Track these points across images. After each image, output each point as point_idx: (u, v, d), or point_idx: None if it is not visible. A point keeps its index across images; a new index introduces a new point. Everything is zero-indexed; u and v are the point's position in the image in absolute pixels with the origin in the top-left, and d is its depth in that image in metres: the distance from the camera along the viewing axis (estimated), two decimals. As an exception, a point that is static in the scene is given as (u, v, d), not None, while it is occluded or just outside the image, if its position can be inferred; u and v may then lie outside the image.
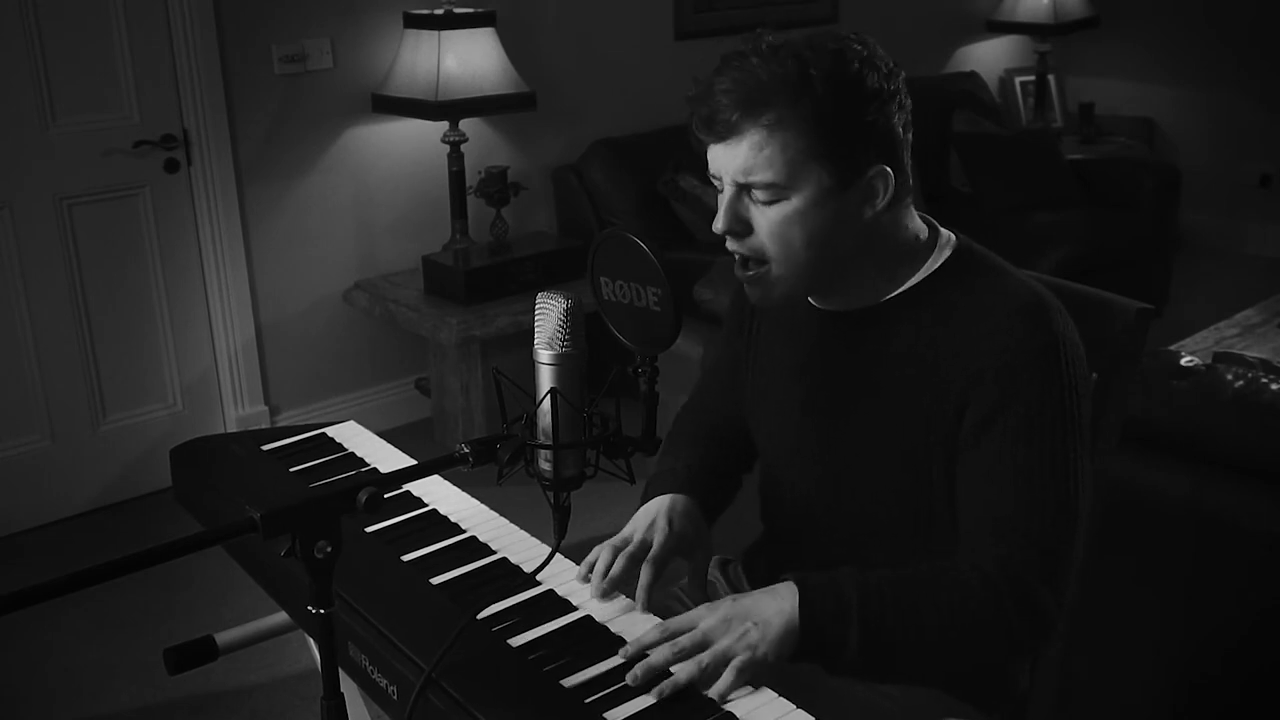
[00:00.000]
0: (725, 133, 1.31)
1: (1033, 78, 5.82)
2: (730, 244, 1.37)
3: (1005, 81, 5.83)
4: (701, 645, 1.23)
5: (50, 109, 3.21)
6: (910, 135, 1.37)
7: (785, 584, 1.27)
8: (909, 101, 1.36)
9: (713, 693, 1.19)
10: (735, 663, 1.20)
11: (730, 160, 1.31)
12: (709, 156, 1.35)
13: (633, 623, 1.31)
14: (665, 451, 1.63)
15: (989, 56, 5.78)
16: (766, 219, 1.32)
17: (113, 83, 3.30)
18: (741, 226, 1.34)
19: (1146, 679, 2.09)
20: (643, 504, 1.52)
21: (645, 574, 1.37)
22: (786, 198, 1.31)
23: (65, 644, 2.85)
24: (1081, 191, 4.77)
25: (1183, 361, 2.24)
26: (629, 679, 1.20)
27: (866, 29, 1.43)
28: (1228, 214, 5.69)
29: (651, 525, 1.44)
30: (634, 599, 1.37)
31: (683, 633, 1.24)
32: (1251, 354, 2.45)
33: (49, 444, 3.39)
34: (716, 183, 1.36)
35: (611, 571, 1.37)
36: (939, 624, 1.27)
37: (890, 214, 1.37)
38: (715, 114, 1.30)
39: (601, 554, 1.40)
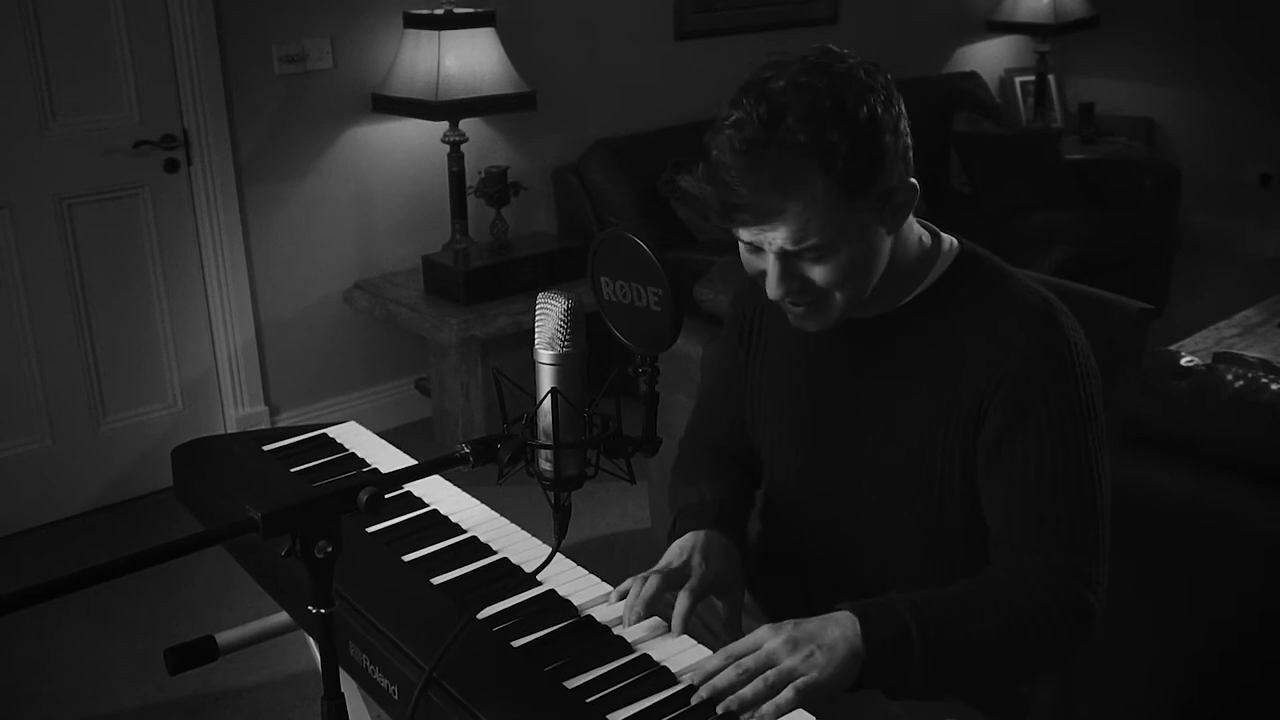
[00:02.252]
0: (763, 220, 1.28)
1: (1033, 78, 5.81)
2: (779, 293, 1.34)
3: (1005, 81, 5.83)
4: (766, 665, 1.20)
5: (50, 109, 3.21)
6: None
7: (844, 612, 1.25)
8: (903, 105, 1.34)
9: (770, 705, 1.16)
10: (798, 682, 1.18)
11: (773, 236, 1.29)
12: (741, 232, 1.32)
13: (661, 642, 1.30)
14: (681, 479, 1.62)
15: (989, 56, 5.78)
16: (823, 272, 1.31)
17: (113, 83, 3.30)
18: (800, 284, 1.33)
19: (1147, 679, 2.09)
20: (671, 537, 1.49)
21: (682, 601, 1.33)
22: (838, 249, 1.29)
23: (65, 644, 2.85)
24: (1081, 191, 4.77)
25: (1183, 361, 2.24)
26: (695, 700, 1.18)
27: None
28: (1228, 214, 5.69)
29: (688, 560, 1.41)
30: (667, 622, 1.33)
31: (747, 654, 1.22)
32: (1251, 354, 2.45)
33: (49, 444, 3.39)
34: (748, 247, 1.34)
35: (645, 590, 1.33)
36: (995, 638, 1.27)
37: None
38: (745, 208, 1.26)
39: (634, 584, 1.36)
